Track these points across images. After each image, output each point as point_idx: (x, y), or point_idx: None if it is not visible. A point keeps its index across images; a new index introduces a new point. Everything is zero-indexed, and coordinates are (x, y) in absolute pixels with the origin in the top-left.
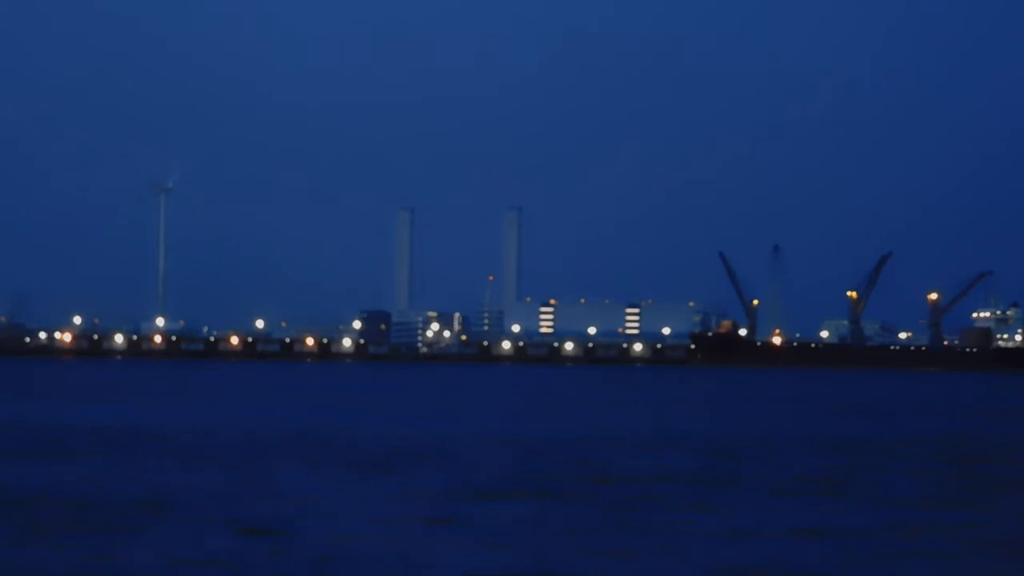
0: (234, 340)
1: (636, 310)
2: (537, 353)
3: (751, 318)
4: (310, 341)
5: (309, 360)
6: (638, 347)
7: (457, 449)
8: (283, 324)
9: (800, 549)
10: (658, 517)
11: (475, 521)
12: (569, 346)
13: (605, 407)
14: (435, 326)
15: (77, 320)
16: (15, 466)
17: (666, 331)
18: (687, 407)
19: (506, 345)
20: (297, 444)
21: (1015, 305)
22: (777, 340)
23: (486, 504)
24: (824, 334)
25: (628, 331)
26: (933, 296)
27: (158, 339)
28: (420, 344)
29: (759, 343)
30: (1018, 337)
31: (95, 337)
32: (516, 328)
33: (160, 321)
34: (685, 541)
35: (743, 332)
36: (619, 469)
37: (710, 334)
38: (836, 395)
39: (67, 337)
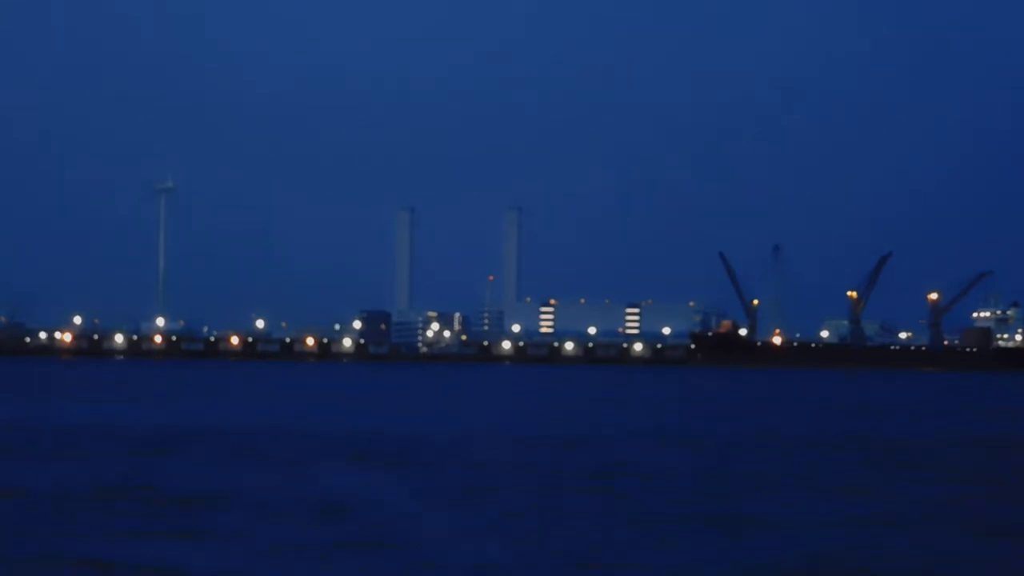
0: (234, 340)
1: (636, 310)
2: (537, 353)
3: (751, 318)
4: (310, 341)
5: (309, 360)
6: (638, 347)
7: (463, 447)
8: (283, 324)
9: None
10: (667, 510)
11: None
12: (569, 346)
13: (607, 406)
14: (435, 326)
15: (77, 320)
16: (49, 466)
17: (666, 331)
18: (693, 407)
19: (506, 345)
20: (318, 443)
21: (1015, 305)
22: (777, 340)
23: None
24: (824, 334)
25: (628, 331)
26: (933, 296)
27: (158, 339)
28: (420, 344)
29: (759, 343)
30: (1018, 337)
31: (95, 337)
32: (516, 328)
33: (160, 321)
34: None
35: (743, 332)
36: (641, 466)
37: (710, 334)
38: (837, 395)
39: (67, 337)
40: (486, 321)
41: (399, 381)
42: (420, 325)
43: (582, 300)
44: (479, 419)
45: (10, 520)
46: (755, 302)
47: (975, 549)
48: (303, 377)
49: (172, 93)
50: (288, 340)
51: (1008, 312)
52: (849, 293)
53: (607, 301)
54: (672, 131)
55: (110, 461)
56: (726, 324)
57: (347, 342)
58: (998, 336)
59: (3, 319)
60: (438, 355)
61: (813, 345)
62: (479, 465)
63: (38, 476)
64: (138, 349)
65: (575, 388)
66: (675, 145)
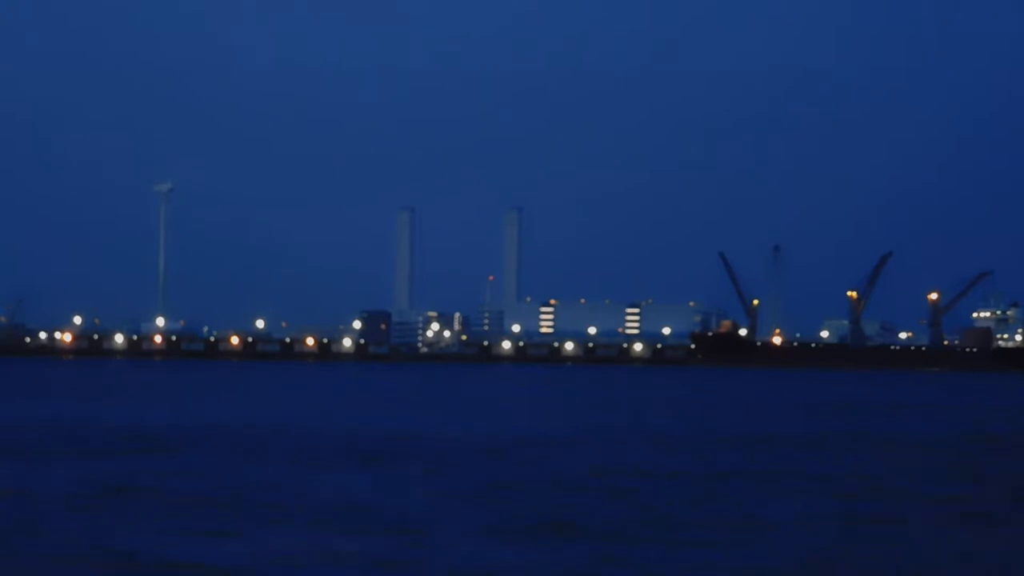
0: (234, 340)
1: (636, 310)
2: (537, 353)
3: (751, 318)
4: (310, 341)
5: (309, 360)
6: (638, 347)
7: (463, 448)
8: (283, 324)
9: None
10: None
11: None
12: (569, 346)
13: (607, 406)
14: (435, 326)
15: (77, 320)
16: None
17: (666, 331)
18: (693, 407)
19: (506, 345)
20: (318, 443)
21: (1015, 305)
22: (777, 340)
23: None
24: (824, 334)
25: (628, 331)
26: (933, 296)
27: (158, 339)
28: (420, 344)
29: (759, 343)
30: (1018, 337)
31: (95, 337)
32: (516, 328)
33: (160, 321)
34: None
35: (743, 332)
36: (641, 467)
37: (710, 334)
38: (837, 395)
39: (67, 337)
40: (486, 321)
41: (399, 381)
42: (420, 325)
43: (582, 300)
44: (479, 420)
45: (15, 520)
46: (755, 302)
47: (974, 547)
48: (303, 377)
49: (172, 93)
50: (288, 340)
51: (1008, 312)
52: (849, 293)
53: (607, 301)
54: (672, 131)
55: (112, 461)
56: (726, 324)
57: (347, 342)
58: (998, 336)
59: (3, 319)
60: (438, 355)
61: (813, 345)
62: (479, 465)
63: (41, 476)
64: (138, 349)
65: (575, 388)
66: (675, 145)
